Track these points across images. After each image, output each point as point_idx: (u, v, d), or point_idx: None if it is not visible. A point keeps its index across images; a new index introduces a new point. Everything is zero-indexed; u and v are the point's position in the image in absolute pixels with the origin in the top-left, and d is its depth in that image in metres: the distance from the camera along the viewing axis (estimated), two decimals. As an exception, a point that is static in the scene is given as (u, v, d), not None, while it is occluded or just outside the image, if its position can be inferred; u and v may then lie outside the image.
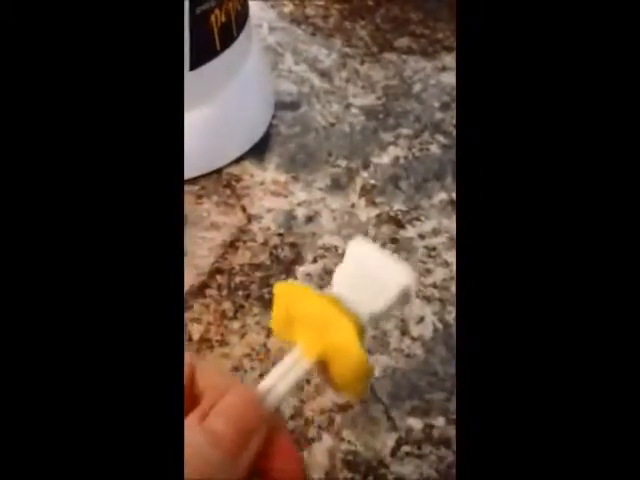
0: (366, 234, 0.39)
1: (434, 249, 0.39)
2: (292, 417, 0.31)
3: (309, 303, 0.20)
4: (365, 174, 0.43)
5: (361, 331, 0.21)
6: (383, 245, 0.39)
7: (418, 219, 0.40)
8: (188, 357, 0.19)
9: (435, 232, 0.40)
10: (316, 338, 0.20)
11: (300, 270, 0.38)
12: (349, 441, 0.31)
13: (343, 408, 0.32)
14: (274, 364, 0.21)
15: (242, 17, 0.40)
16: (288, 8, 0.56)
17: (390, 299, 0.21)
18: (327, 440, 0.31)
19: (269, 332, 0.35)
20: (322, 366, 0.21)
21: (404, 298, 0.22)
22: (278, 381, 0.20)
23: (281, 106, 0.47)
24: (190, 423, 0.16)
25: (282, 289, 0.22)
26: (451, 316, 0.36)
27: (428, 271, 0.38)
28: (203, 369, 0.19)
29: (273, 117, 0.46)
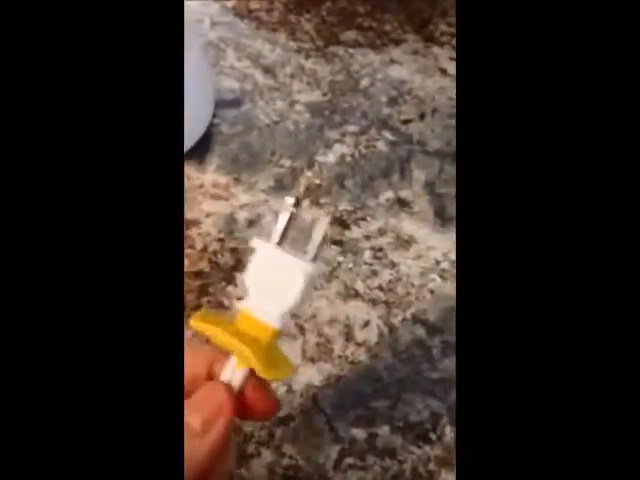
0: (309, 236, 0.38)
1: (380, 250, 0.38)
2: (230, 433, 0.30)
3: (217, 338, 0.22)
4: (310, 174, 0.42)
5: (273, 334, 0.23)
6: (328, 246, 0.38)
7: (364, 219, 0.39)
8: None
9: (381, 232, 0.39)
10: (239, 357, 0.23)
11: (241, 277, 0.36)
12: (290, 455, 0.29)
13: (283, 421, 0.30)
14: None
15: (174, 13, 0.38)
16: (231, 2, 0.54)
17: (296, 295, 0.23)
18: (267, 456, 0.29)
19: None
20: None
21: (311, 285, 0.23)
22: (230, 378, 0.23)
23: (223, 104, 0.45)
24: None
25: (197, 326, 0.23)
26: (397, 319, 0.35)
27: (374, 273, 0.37)
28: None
29: (214, 116, 0.44)
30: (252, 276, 0.23)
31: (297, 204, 0.24)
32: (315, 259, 0.23)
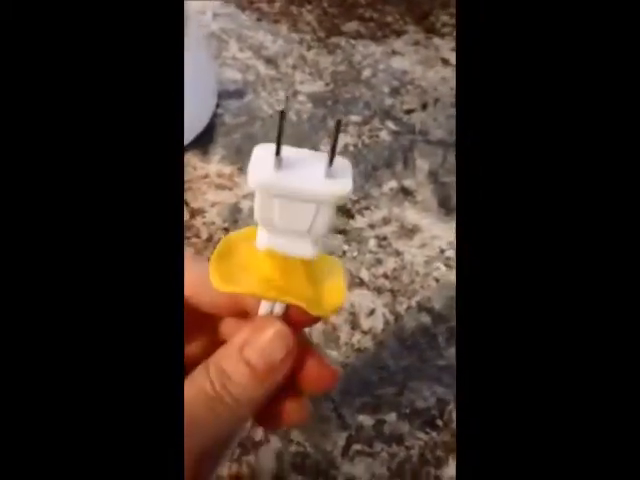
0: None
1: (384, 239, 0.38)
2: (237, 420, 0.30)
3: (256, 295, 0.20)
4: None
5: (310, 265, 0.19)
6: (332, 234, 0.38)
7: (368, 208, 0.39)
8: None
9: (385, 221, 0.39)
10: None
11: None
12: (298, 442, 0.30)
13: (291, 408, 0.30)
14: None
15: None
16: (232, -7, 0.54)
17: (325, 221, 0.18)
18: (275, 442, 0.29)
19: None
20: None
21: (340, 202, 0.18)
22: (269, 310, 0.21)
23: (226, 95, 0.45)
24: (230, 352, 0.20)
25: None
26: (402, 307, 0.35)
27: (379, 261, 0.37)
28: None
29: (217, 106, 0.44)
30: (265, 212, 0.18)
31: (288, 100, 0.19)
32: (335, 174, 0.17)
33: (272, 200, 0.17)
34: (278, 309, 0.21)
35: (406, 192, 0.40)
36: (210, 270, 0.20)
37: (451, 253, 0.37)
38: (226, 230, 0.38)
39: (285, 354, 0.20)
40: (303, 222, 0.18)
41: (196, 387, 0.20)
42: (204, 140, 0.42)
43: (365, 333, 0.34)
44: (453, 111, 0.45)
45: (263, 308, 0.21)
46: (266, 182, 0.17)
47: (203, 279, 0.22)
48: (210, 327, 0.23)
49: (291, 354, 0.20)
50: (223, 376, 0.20)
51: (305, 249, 0.19)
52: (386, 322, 0.34)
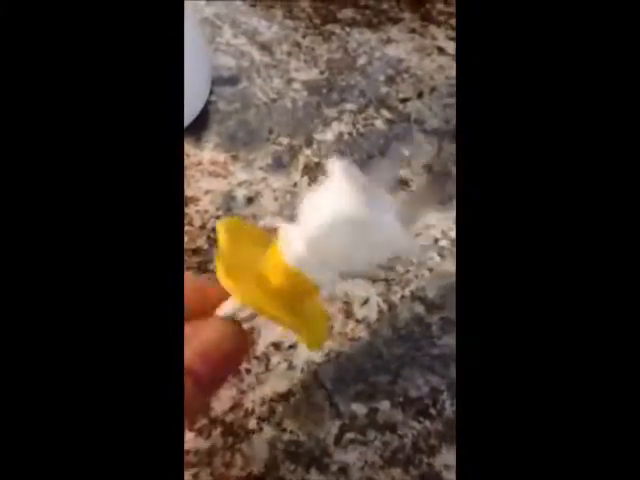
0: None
1: (379, 228, 0.38)
2: (231, 409, 0.30)
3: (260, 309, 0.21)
4: (308, 152, 0.41)
5: (318, 298, 0.22)
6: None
7: (363, 197, 0.39)
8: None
9: (380, 210, 0.38)
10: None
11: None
12: (291, 431, 0.30)
13: (285, 397, 0.30)
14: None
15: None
16: (226, -22, 0.53)
17: (364, 262, 0.20)
18: (268, 431, 0.29)
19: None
20: None
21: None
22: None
23: (219, 81, 0.45)
24: None
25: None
26: (396, 296, 0.35)
27: (373, 251, 0.37)
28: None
29: (211, 93, 0.44)
30: (320, 230, 0.19)
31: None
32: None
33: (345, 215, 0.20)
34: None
35: (401, 181, 0.40)
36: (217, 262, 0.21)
37: (445, 243, 0.37)
38: (220, 218, 0.37)
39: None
40: (350, 249, 0.20)
41: None
42: (197, 127, 0.42)
43: (359, 322, 0.34)
44: (449, 100, 0.45)
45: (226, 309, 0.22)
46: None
47: None
48: None
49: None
50: None
51: (326, 282, 0.21)
52: (380, 311, 0.34)
